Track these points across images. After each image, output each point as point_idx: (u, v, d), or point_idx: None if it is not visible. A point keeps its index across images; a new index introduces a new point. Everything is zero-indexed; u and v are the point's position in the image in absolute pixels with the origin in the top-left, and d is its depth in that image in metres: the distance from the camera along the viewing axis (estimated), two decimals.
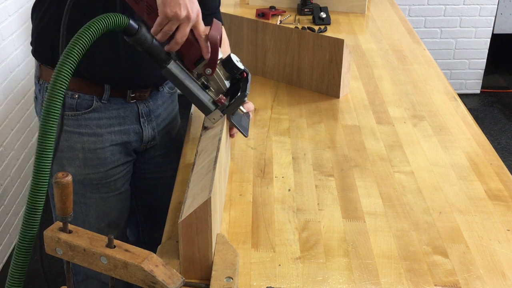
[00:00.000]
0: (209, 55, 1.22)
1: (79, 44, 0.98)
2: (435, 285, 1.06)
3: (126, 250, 0.87)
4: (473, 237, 1.19)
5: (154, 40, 1.18)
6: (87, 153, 1.45)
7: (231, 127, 1.38)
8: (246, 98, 1.28)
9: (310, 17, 2.53)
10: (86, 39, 1.00)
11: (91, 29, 1.01)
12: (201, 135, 1.30)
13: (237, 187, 1.34)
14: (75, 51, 0.97)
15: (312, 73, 1.83)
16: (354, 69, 2.00)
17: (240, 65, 1.28)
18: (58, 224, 0.91)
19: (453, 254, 1.14)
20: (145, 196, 1.70)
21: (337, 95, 1.78)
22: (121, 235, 1.63)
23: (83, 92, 1.39)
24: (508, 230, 1.21)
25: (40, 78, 1.44)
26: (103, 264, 0.87)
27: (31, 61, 2.83)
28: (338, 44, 1.73)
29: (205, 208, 0.97)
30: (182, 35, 1.17)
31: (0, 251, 2.51)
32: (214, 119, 1.29)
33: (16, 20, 2.66)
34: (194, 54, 1.23)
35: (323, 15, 2.46)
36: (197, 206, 0.97)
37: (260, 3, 2.67)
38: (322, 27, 2.42)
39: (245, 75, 1.30)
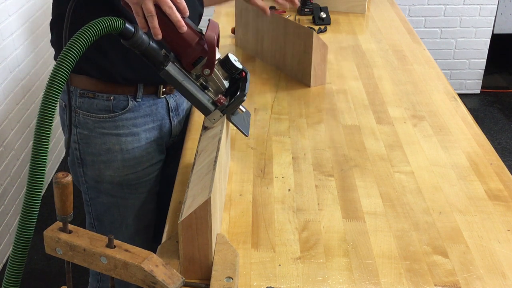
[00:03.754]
0: (185, 29, 1.18)
1: (74, 49, 0.99)
2: (435, 285, 1.06)
3: (126, 250, 0.87)
4: (473, 237, 1.19)
5: (151, 43, 1.18)
6: (125, 153, 1.48)
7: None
8: (245, 98, 1.27)
9: (310, 17, 2.53)
10: (81, 44, 1.00)
11: (86, 34, 1.02)
12: (201, 135, 1.30)
13: (237, 187, 1.34)
14: (69, 56, 0.98)
15: (292, 60, 1.92)
16: (354, 69, 2.00)
17: (239, 65, 1.28)
18: (58, 224, 0.91)
19: (453, 254, 1.14)
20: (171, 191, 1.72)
21: (308, 84, 1.87)
22: (158, 235, 1.65)
23: (118, 93, 1.44)
24: (508, 230, 1.21)
25: (70, 85, 1.44)
26: (103, 264, 0.87)
27: (31, 61, 2.83)
28: (309, 35, 1.80)
29: (205, 208, 0.97)
30: (147, 12, 1.13)
31: (0, 251, 2.50)
32: (214, 119, 1.29)
33: (16, 20, 2.66)
34: (191, 55, 1.23)
35: (323, 15, 2.46)
36: (197, 206, 0.97)
37: (260, 3, 2.67)
38: (322, 27, 2.42)
39: (244, 74, 1.30)
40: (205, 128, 1.31)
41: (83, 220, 1.62)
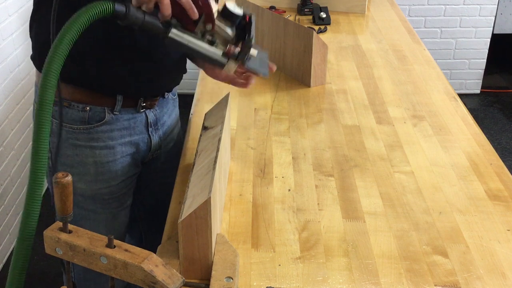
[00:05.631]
0: (196, 14, 1.15)
1: (66, 38, 0.96)
2: (435, 285, 1.06)
3: (126, 250, 0.87)
4: (473, 237, 1.19)
5: (146, 16, 1.14)
6: (99, 167, 1.41)
7: (246, 75, 1.35)
8: (253, 41, 1.21)
9: (310, 17, 2.53)
10: (73, 32, 0.97)
11: (78, 22, 0.98)
12: (201, 135, 1.30)
13: (237, 187, 1.34)
14: (62, 46, 0.95)
15: (292, 60, 1.92)
16: (354, 69, 2.00)
17: (238, 11, 1.21)
18: (58, 224, 0.91)
19: (453, 254, 1.14)
20: (148, 203, 1.68)
21: (308, 84, 1.87)
22: (131, 243, 1.63)
23: (94, 104, 1.36)
24: (508, 230, 1.21)
25: None
26: (103, 264, 0.87)
27: (31, 61, 2.83)
28: (309, 35, 1.80)
29: (205, 208, 0.97)
30: (164, 3, 1.11)
31: (0, 251, 2.51)
32: (230, 70, 1.23)
33: (16, 20, 2.66)
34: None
35: (323, 15, 2.46)
36: (197, 206, 0.97)
37: (260, 3, 2.67)
38: (322, 27, 2.42)
39: (247, 18, 1.24)
40: (205, 128, 1.31)
41: None
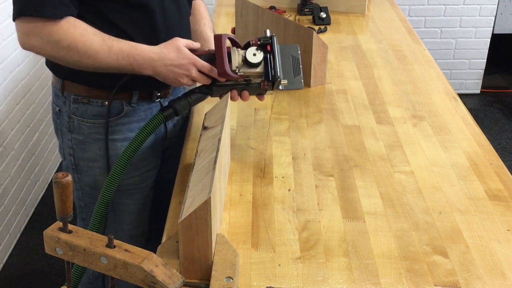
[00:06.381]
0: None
1: (126, 154, 1.32)
2: (435, 285, 1.06)
3: (126, 250, 0.87)
4: (473, 237, 1.19)
5: (189, 98, 1.38)
6: None
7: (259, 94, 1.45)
8: (280, 77, 1.36)
9: (310, 17, 2.53)
10: (132, 149, 1.33)
11: (138, 139, 1.33)
12: (201, 135, 1.30)
13: (237, 187, 1.34)
14: (125, 156, 1.32)
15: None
16: (354, 69, 2.00)
17: (257, 58, 1.35)
18: (58, 224, 0.91)
19: (453, 254, 1.14)
20: (162, 195, 1.71)
21: (308, 84, 1.86)
22: (150, 239, 1.66)
23: (112, 99, 1.43)
24: (508, 230, 1.21)
25: (64, 90, 1.45)
26: (103, 264, 0.87)
27: (31, 61, 2.83)
28: (309, 35, 1.80)
29: (205, 208, 0.97)
30: (199, 79, 1.35)
31: (0, 251, 2.51)
32: (271, 93, 1.46)
33: None
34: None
35: (323, 15, 2.46)
36: (197, 206, 0.97)
37: (260, 3, 2.67)
38: (322, 27, 2.42)
39: (268, 48, 1.37)
40: (205, 128, 1.31)
41: None
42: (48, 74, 3.04)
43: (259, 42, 1.36)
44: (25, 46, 1.30)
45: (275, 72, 1.35)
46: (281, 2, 2.66)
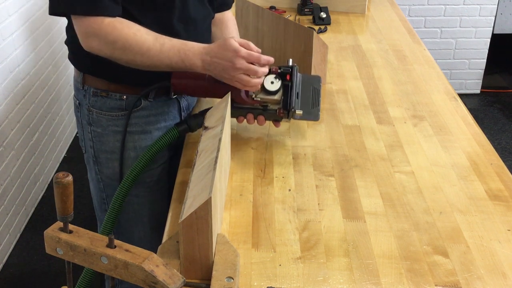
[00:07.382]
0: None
1: (139, 165, 1.39)
2: (436, 285, 1.06)
3: (127, 250, 0.87)
4: (474, 237, 1.19)
5: (204, 116, 1.37)
6: (139, 151, 1.50)
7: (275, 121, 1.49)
8: (295, 108, 1.41)
9: (310, 17, 2.53)
10: (146, 160, 1.39)
11: (151, 150, 1.40)
12: (201, 135, 1.30)
13: (238, 187, 1.34)
14: (137, 167, 1.39)
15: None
16: (354, 69, 2.00)
17: (275, 87, 1.39)
18: (59, 224, 0.91)
19: (454, 254, 1.14)
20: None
21: None
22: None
23: (130, 93, 1.46)
24: (509, 230, 1.21)
25: (84, 84, 1.49)
26: (104, 264, 0.87)
27: (31, 61, 2.83)
28: (309, 35, 1.80)
29: (206, 208, 0.97)
30: (249, 70, 1.32)
31: (0, 251, 2.50)
32: (286, 121, 1.49)
33: (16, 20, 2.67)
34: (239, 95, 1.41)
35: (323, 15, 2.46)
36: (197, 206, 0.97)
37: (260, 3, 2.67)
38: (322, 27, 2.42)
39: (288, 77, 1.42)
40: (205, 128, 1.31)
41: (83, 220, 1.62)
42: (48, 74, 3.04)
43: (279, 71, 1.41)
44: (86, 47, 1.35)
45: (290, 102, 1.40)
46: (281, 2, 2.66)
